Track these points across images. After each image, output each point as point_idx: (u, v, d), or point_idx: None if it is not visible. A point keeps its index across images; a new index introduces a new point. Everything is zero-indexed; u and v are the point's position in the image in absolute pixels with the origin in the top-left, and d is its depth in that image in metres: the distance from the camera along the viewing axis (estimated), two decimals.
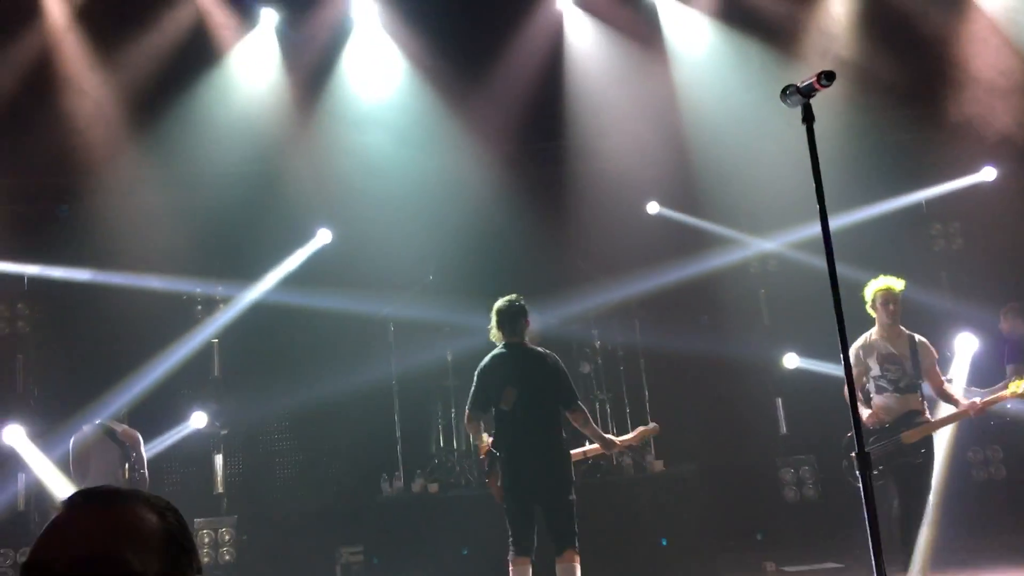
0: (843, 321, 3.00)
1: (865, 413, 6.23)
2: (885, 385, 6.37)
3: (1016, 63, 9.53)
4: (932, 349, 6.52)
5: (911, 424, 6.27)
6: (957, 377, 8.99)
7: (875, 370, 6.40)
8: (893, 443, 6.22)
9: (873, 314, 6.48)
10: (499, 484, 5.82)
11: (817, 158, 3.14)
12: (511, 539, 5.73)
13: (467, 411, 5.98)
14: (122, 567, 1.28)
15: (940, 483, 8.40)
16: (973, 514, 8.57)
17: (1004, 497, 9.26)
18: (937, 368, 6.49)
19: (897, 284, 6.48)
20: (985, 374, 8.82)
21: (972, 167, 10.05)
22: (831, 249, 3.13)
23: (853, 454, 5.66)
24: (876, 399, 6.39)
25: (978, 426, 9.03)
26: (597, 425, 6.58)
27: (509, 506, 5.78)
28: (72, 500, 1.34)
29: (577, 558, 5.72)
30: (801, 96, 3.21)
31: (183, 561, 1.36)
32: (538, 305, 9.08)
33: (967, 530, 8.25)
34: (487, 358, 6.00)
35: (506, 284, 9.77)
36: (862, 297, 6.49)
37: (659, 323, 9.50)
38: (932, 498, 8.25)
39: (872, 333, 6.52)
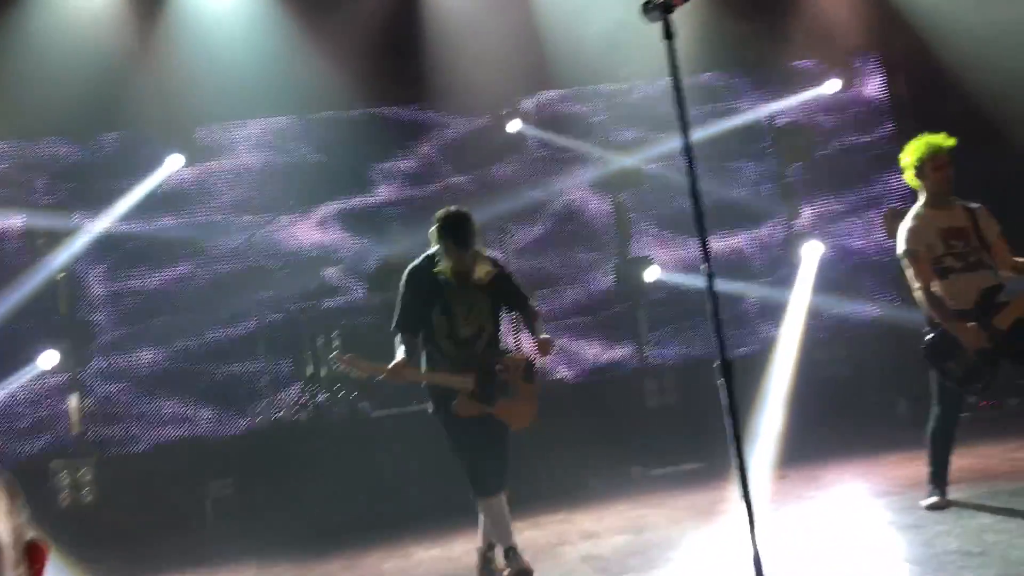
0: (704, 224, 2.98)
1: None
2: (953, 264, 5.22)
3: None
4: (992, 216, 5.38)
5: (993, 306, 5.14)
6: (805, 282, 9.49)
7: (938, 249, 5.24)
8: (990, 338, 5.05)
9: (917, 184, 5.37)
10: None
11: (679, 77, 3.04)
12: None
13: None
14: None
15: (790, 380, 8.91)
16: (817, 409, 9.07)
17: (845, 394, 9.86)
18: (1002, 238, 5.34)
19: (947, 140, 5.29)
20: (832, 281, 9.35)
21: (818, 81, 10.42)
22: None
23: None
24: (941, 285, 5.22)
25: (825, 327, 9.61)
26: None
27: None
28: None
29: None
30: (661, 11, 3.08)
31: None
32: None
33: (814, 423, 8.73)
34: None
35: None
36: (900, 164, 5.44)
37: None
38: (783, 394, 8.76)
39: (921, 207, 5.37)
